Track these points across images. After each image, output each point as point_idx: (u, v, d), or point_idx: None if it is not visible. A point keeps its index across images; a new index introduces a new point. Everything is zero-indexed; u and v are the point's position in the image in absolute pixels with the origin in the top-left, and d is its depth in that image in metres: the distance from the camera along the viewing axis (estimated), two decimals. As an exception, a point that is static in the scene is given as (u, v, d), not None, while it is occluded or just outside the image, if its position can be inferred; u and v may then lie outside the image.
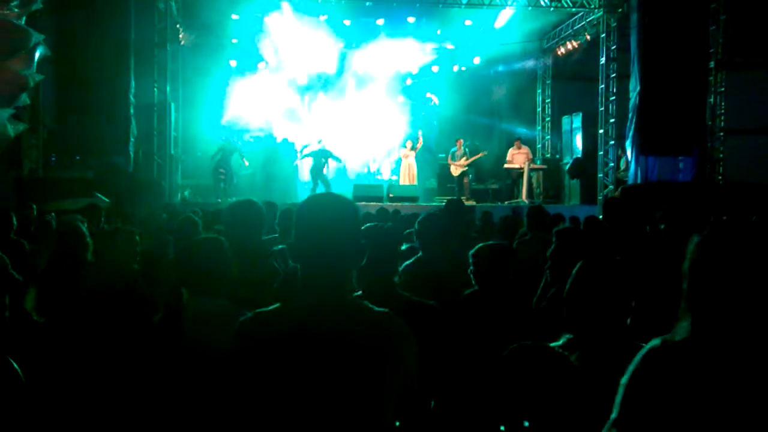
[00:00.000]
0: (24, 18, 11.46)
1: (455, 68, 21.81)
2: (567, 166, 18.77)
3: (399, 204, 14.76)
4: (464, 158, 18.69)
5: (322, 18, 18.88)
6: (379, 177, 20.24)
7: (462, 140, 19.25)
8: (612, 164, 17.39)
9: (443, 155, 19.97)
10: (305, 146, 18.43)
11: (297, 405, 2.04)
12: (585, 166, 17.85)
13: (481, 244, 4.26)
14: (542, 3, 17.83)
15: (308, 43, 19.27)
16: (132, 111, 14.75)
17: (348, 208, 2.21)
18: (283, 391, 2.04)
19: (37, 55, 11.65)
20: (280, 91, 20.36)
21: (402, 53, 20.25)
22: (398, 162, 19.56)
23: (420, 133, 19.15)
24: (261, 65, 20.40)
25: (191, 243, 3.65)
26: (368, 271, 3.00)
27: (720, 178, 16.52)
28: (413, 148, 18.69)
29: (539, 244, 5.93)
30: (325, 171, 17.77)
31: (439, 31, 20.15)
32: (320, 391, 2.03)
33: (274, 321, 2.14)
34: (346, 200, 2.24)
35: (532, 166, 18.87)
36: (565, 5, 17.78)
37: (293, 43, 19.35)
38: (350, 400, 2.04)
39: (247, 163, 18.72)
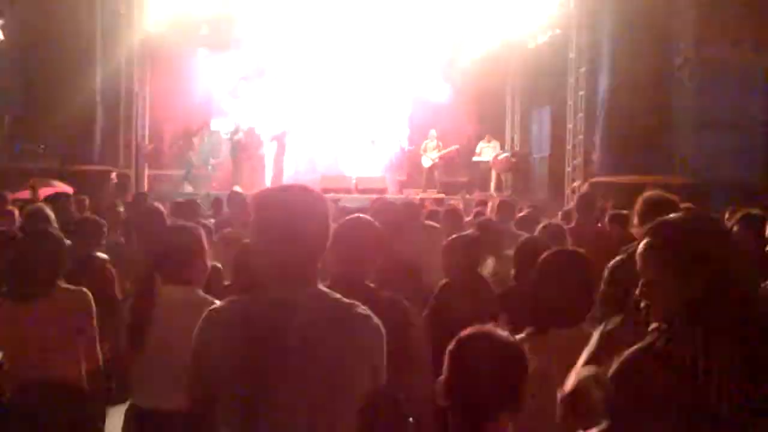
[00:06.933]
0: None
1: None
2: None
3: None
4: (436, 150, 18.54)
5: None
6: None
7: (434, 131, 19.09)
8: (580, 158, 17.51)
9: (411, 147, 19.91)
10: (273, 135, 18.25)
11: (262, 393, 2.04)
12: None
13: (453, 237, 4.28)
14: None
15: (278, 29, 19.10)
16: (98, 98, 14.49)
17: (311, 198, 2.21)
18: (248, 380, 2.05)
19: None
20: (251, 81, 20.16)
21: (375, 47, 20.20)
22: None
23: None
24: (232, 54, 20.17)
25: (166, 230, 3.56)
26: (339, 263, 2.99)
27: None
28: None
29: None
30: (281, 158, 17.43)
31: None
32: (285, 380, 2.05)
33: (241, 310, 2.16)
34: (310, 190, 2.25)
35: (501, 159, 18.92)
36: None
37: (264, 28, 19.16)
38: (314, 389, 2.06)
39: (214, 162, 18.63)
